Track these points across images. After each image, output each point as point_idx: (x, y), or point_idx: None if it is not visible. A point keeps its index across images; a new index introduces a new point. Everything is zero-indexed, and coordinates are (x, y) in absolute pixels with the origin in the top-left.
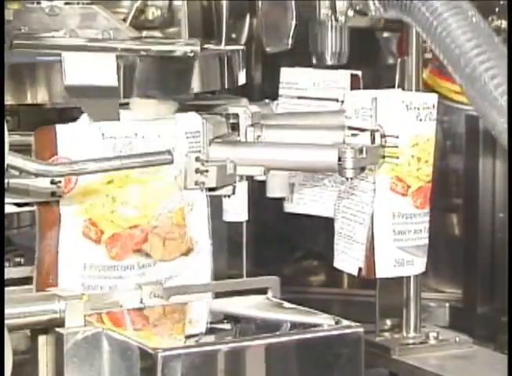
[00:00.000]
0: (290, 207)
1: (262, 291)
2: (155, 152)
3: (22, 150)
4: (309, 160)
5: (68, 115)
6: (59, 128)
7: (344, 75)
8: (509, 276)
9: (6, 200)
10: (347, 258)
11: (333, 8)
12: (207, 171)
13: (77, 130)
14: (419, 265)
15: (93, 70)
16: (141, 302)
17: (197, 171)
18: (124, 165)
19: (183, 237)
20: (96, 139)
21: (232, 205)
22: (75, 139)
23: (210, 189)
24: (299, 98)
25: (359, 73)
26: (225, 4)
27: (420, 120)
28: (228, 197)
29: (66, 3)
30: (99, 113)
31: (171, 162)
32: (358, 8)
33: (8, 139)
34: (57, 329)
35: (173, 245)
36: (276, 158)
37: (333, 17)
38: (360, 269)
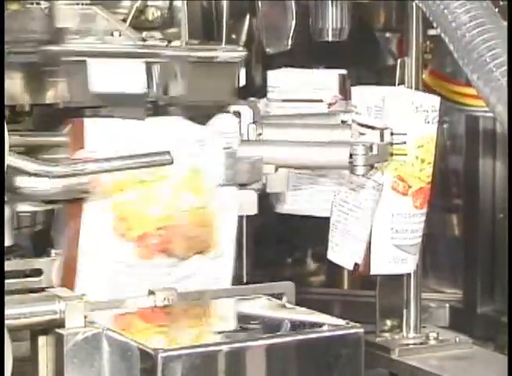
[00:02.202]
0: (281, 209)
1: (276, 296)
2: (155, 152)
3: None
4: (321, 157)
5: (82, 115)
6: (88, 121)
7: (331, 75)
8: (509, 276)
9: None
10: (341, 251)
11: None
12: (239, 168)
13: (105, 125)
14: (412, 263)
15: (120, 77)
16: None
17: (230, 168)
18: (124, 166)
19: (198, 236)
20: (124, 135)
21: (243, 199)
22: (103, 134)
23: (241, 185)
24: (284, 101)
25: (345, 72)
26: (225, 4)
27: (428, 122)
28: (260, 191)
29: (66, 4)
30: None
31: (170, 163)
32: None
33: (8, 139)
34: (57, 330)
35: (190, 243)
36: (287, 156)
37: None
38: (356, 265)
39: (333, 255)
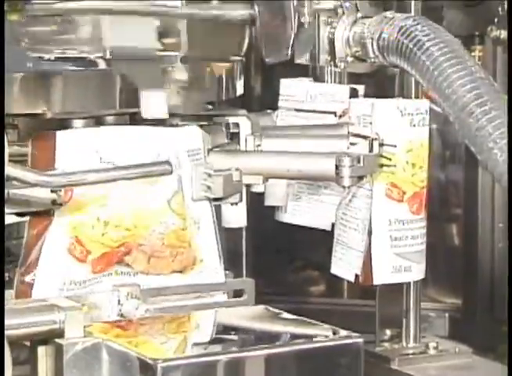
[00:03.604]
0: (282, 217)
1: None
2: (154, 162)
3: (20, 160)
4: (307, 168)
5: (66, 126)
6: (60, 134)
7: (344, 89)
8: (509, 283)
9: (7, 210)
10: (344, 265)
11: (332, 54)
12: (213, 182)
13: (76, 137)
14: (417, 271)
15: (134, 33)
16: (119, 303)
17: (203, 183)
18: (123, 176)
19: (175, 256)
20: (94, 150)
21: (231, 212)
22: (74, 147)
23: (218, 199)
24: (296, 110)
25: (360, 87)
26: None
27: (414, 125)
28: (236, 204)
29: None
30: (143, 79)
31: (170, 173)
32: (357, 54)
33: (8, 149)
34: (57, 340)
35: (160, 263)
36: (274, 166)
37: (332, 63)
38: (357, 276)
39: (336, 269)
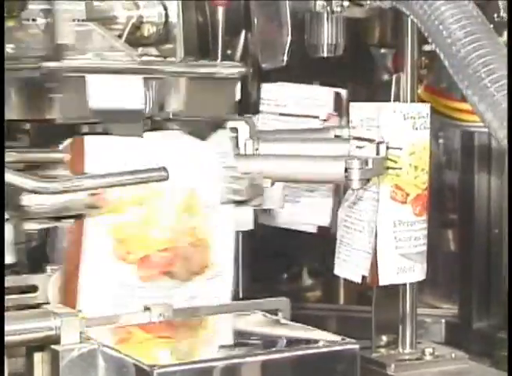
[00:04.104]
0: (267, 220)
1: (272, 312)
2: (151, 168)
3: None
4: (317, 171)
5: (78, 131)
6: (88, 139)
7: (328, 92)
8: (509, 289)
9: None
10: (348, 266)
11: None
12: (239, 185)
13: (105, 142)
14: (420, 271)
15: (119, 93)
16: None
17: (229, 186)
18: (120, 182)
19: (197, 257)
20: (123, 152)
21: (239, 215)
22: (103, 151)
23: (242, 202)
24: (280, 115)
25: (343, 91)
26: (220, 20)
27: (416, 129)
28: (260, 206)
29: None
30: (124, 134)
31: (166, 179)
32: None
33: (4, 155)
34: (53, 346)
35: (188, 265)
36: (284, 170)
37: (328, 8)
38: (363, 277)
39: (340, 271)
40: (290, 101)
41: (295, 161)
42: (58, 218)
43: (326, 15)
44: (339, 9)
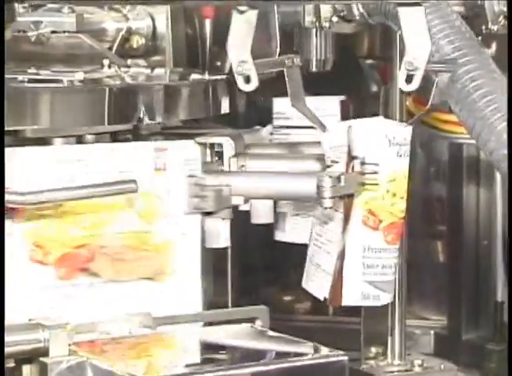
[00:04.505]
0: (281, 236)
1: (250, 320)
2: (121, 181)
3: None
4: (288, 189)
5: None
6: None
7: (333, 101)
8: (509, 287)
9: None
10: (314, 285)
11: (317, 14)
12: (205, 196)
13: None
14: (385, 299)
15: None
16: (130, 332)
17: (196, 196)
18: (89, 194)
19: (140, 261)
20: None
21: (214, 232)
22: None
23: (208, 214)
24: (288, 127)
25: (344, 98)
26: (208, 32)
27: (400, 156)
28: (226, 219)
29: (53, 32)
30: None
31: (135, 191)
32: (342, 14)
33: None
34: (41, 358)
35: (125, 267)
36: (255, 187)
37: (317, 24)
38: (325, 299)
39: (306, 286)
40: (297, 113)
41: (265, 178)
42: None
43: (314, 30)
44: (328, 24)
